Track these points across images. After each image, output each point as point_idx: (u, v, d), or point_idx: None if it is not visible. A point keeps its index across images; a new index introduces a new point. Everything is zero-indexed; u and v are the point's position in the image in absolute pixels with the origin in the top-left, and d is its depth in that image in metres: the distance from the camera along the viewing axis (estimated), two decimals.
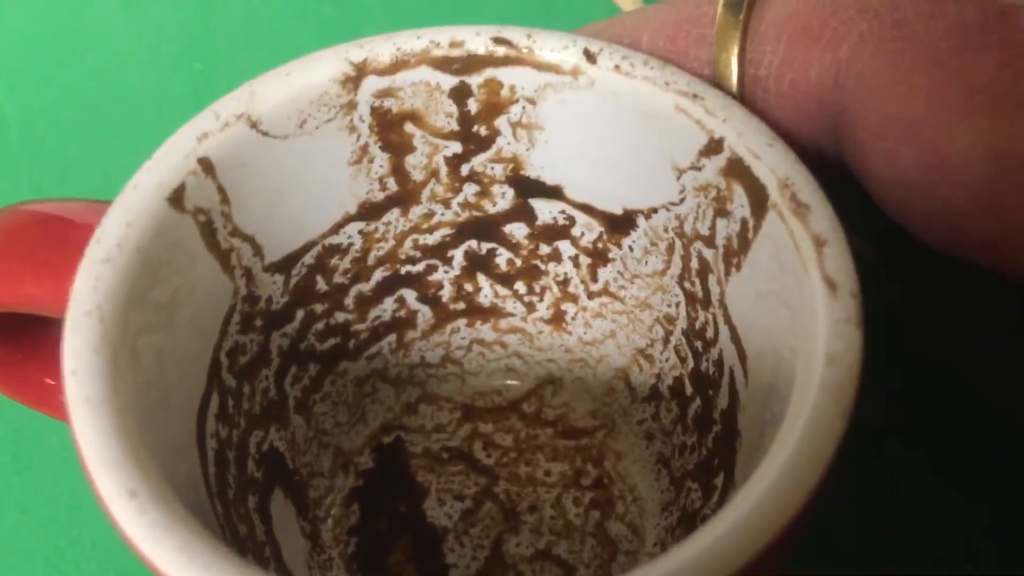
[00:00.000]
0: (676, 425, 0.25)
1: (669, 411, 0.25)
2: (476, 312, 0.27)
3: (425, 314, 0.26)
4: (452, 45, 0.22)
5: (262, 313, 0.23)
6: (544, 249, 0.25)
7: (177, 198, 0.20)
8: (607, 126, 0.22)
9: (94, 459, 0.16)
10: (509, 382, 0.27)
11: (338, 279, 0.24)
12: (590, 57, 0.21)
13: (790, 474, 0.16)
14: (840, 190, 0.19)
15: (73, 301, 0.18)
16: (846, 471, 0.17)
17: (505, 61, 0.22)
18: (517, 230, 0.25)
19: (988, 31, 0.18)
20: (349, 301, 0.25)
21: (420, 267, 0.25)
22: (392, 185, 0.23)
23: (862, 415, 0.17)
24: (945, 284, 0.24)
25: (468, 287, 0.26)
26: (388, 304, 0.26)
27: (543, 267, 0.25)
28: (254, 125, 0.21)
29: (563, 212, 0.24)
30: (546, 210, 0.24)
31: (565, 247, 0.25)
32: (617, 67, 0.21)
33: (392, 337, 0.26)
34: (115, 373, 0.17)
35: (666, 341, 0.25)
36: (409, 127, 0.22)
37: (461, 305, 0.26)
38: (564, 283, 0.26)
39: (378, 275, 0.25)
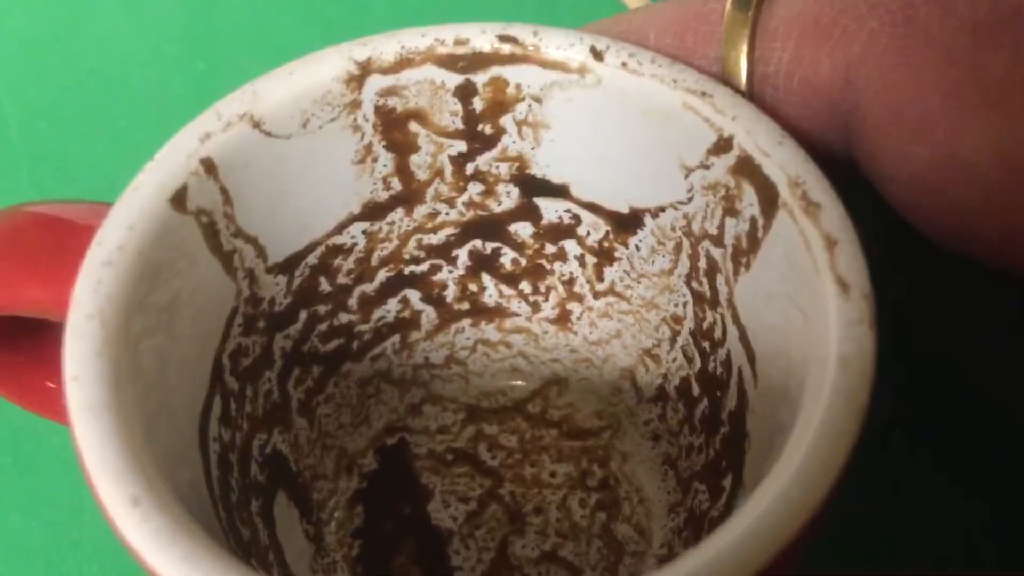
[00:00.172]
0: (683, 426, 0.25)
1: (676, 412, 0.25)
2: (481, 312, 0.26)
3: (429, 314, 0.26)
4: (457, 43, 0.21)
5: (265, 315, 0.23)
6: (549, 248, 0.25)
7: (179, 199, 0.19)
8: (614, 124, 0.22)
9: (96, 466, 0.16)
10: (514, 383, 0.27)
11: (342, 280, 0.24)
12: (597, 55, 0.21)
13: (803, 479, 0.16)
14: (848, 187, 0.19)
15: (74, 305, 0.18)
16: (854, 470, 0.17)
17: (511, 59, 0.21)
18: (522, 229, 0.25)
19: (1000, 29, 0.18)
20: (353, 302, 0.25)
21: (424, 267, 0.25)
22: (396, 185, 0.23)
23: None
24: (948, 282, 0.24)
25: (472, 287, 0.26)
26: (392, 305, 0.25)
27: (548, 267, 0.25)
28: (257, 125, 0.20)
29: (569, 211, 0.24)
30: (552, 209, 0.24)
31: (571, 246, 0.25)
32: (624, 64, 0.21)
33: (396, 338, 0.26)
34: (117, 378, 0.17)
35: (673, 341, 0.24)
36: (413, 126, 0.22)
37: (465, 305, 0.26)
38: (570, 283, 0.25)
39: (382, 275, 0.25)
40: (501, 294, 0.26)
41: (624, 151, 0.22)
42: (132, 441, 0.17)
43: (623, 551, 0.25)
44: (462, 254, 0.25)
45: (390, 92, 0.22)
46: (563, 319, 0.26)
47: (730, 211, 0.21)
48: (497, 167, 0.23)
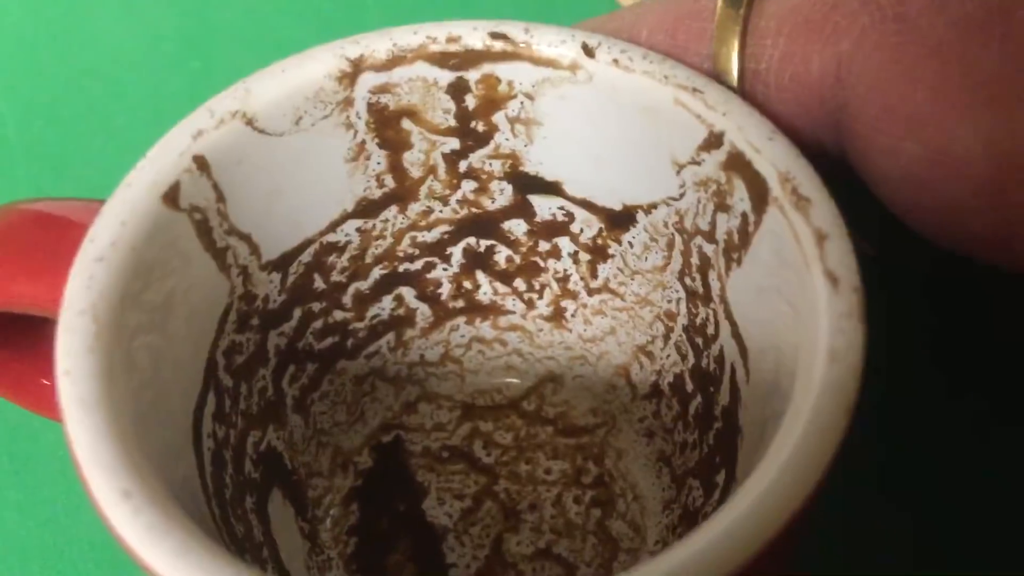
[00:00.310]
0: (677, 422, 0.25)
1: (670, 408, 0.25)
2: (475, 310, 0.26)
3: (424, 312, 0.26)
4: (449, 40, 0.21)
5: (259, 312, 0.23)
6: (543, 246, 0.25)
7: (172, 196, 0.20)
8: (606, 121, 0.22)
9: (88, 460, 0.16)
10: (509, 380, 0.27)
11: (336, 277, 0.24)
12: (588, 51, 0.21)
13: (792, 471, 0.16)
14: (841, 185, 0.19)
15: (67, 301, 0.18)
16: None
17: (503, 56, 0.21)
18: (516, 227, 0.25)
19: (991, 24, 0.18)
20: (347, 299, 0.25)
21: (418, 265, 0.25)
22: (390, 182, 0.23)
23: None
24: (949, 281, 0.24)
25: (467, 284, 0.26)
26: (386, 302, 0.25)
27: (542, 264, 0.25)
28: (250, 122, 0.21)
29: (562, 208, 0.24)
30: (545, 206, 0.24)
31: (564, 243, 0.25)
32: (616, 61, 0.21)
33: (391, 335, 0.26)
34: (109, 374, 0.17)
35: (667, 338, 0.24)
36: (406, 123, 0.22)
37: (460, 303, 0.26)
38: (564, 280, 0.25)
39: (376, 273, 0.25)
40: (496, 292, 0.26)
41: (616, 148, 0.22)
42: (124, 436, 0.17)
43: (618, 548, 0.25)
44: (456, 252, 0.25)
45: (382, 90, 0.22)
46: (558, 316, 0.26)
47: (721, 207, 0.21)
48: (490, 164, 0.23)
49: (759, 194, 0.19)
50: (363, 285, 0.25)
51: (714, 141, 0.20)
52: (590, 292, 0.25)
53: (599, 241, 0.24)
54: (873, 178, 0.19)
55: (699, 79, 0.20)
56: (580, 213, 0.24)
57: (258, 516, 0.23)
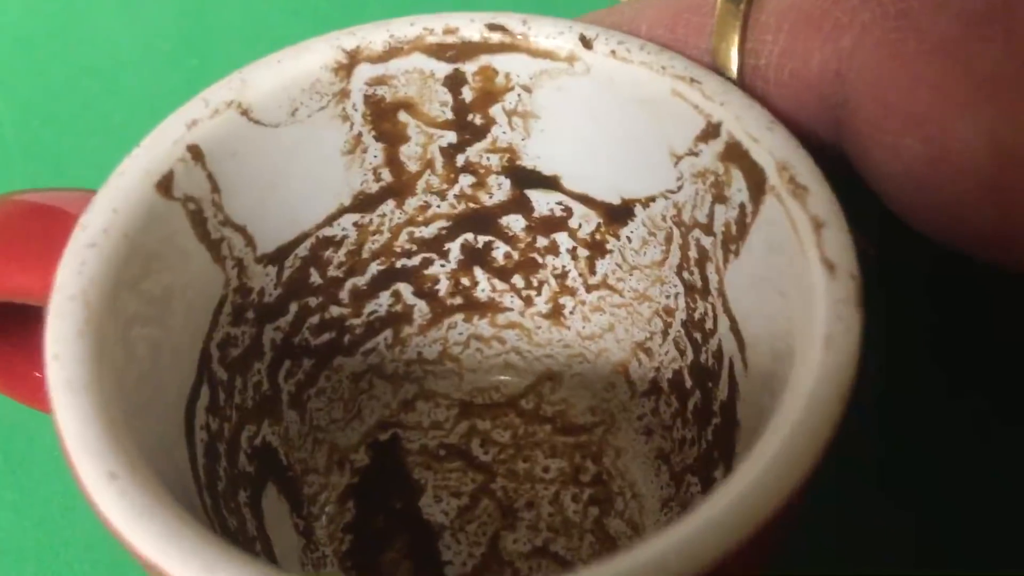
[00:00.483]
0: (676, 419, 0.25)
1: (669, 405, 0.25)
2: (473, 307, 0.26)
3: (421, 309, 0.26)
4: (446, 32, 0.21)
5: (254, 305, 0.23)
6: (541, 242, 0.25)
7: (166, 185, 0.19)
8: (604, 113, 0.21)
9: (75, 443, 0.16)
10: (507, 378, 0.27)
11: (332, 272, 0.24)
12: (586, 43, 0.21)
13: (786, 456, 0.15)
14: (840, 183, 0.19)
15: (57, 286, 0.18)
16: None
17: (500, 48, 0.21)
18: (514, 222, 0.24)
19: (993, 21, 0.18)
20: (344, 295, 0.25)
21: (416, 260, 0.25)
22: (387, 176, 0.23)
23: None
24: (949, 279, 0.24)
25: (465, 281, 0.26)
26: (384, 298, 0.25)
27: (541, 260, 0.25)
28: (245, 113, 0.20)
29: (560, 203, 0.24)
30: (543, 201, 0.24)
31: (563, 239, 0.25)
32: (613, 52, 0.21)
33: (388, 332, 0.26)
34: (99, 358, 0.17)
35: (665, 334, 0.24)
36: (403, 116, 0.22)
37: (458, 300, 0.26)
38: (562, 276, 0.25)
39: (373, 268, 0.25)
40: (494, 288, 0.26)
41: (614, 140, 0.22)
42: (113, 420, 0.17)
43: (615, 546, 0.25)
44: (454, 248, 0.25)
45: (379, 81, 0.22)
46: (556, 313, 0.26)
47: (719, 198, 0.20)
48: (488, 158, 0.23)
49: (756, 184, 0.19)
50: (360, 281, 0.25)
51: (712, 131, 0.20)
52: (588, 288, 0.25)
53: (597, 236, 0.24)
54: (873, 175, 0.19)
55: (697, 70, 0.20)
56: (578, 208, 0.24)
57: (252, 510, 0.22)
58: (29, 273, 0.20)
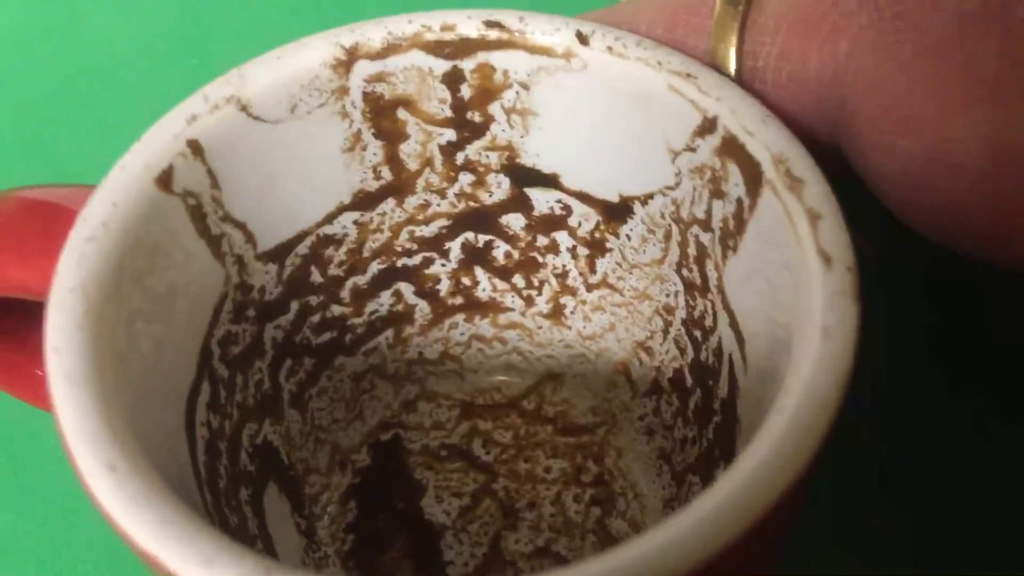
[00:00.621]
0: (677, 419, 0.25)
1: (670, 404, 0.25)
2: (474, 307, 0.26)
3: (423, 309, 0.26)
4: (444, 29, 0.21)
5: (255, 303, 0.23)
6: (542, 241, 0.25)
7: (165, 180, 0.20)
8: (601, 109, 0.22)
9: (74, 435, 0.16)
10: (508, 379, 0.27)
11: (333, 271, 0.24)
12: (582, 39, 0.21)
13: (784, 446, 0.15)
14: (839, 183, 0.19)
15: (57, 279, 0.18)
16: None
17: (498, 44, 0.21)
18: (514, 221, 0.25)
19: (988, 21, 0.18)
20: (345, 294, 0.25)
21: (417, 260, 0.25)
22: (386, 174, 0.23)
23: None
24: (948, 279, 0.24)
25: (466, 281, 0.26)
26: (385, 298, 0.25)
27: (541, 259, 0.25)
28: (244, 108, 0.21)
29: (560, 201, 0.24)
30: (543, 200, 0.24)
31: (563, 238, 0.25)
32: (610, 48, 0.21)
33: (389, 332, 0.26)
34: (99, 350, 0.17)
35: (665, 332, 0.24)
36: (402, 113, 0.22)
37: (459, 299, 0.26)
38: (563, 275, 0.25)
39: (374, 267, 0.25)
40: (495, 288, 0.26)
41: (612, 136, 0.22)
42: (112, 412, 0.17)
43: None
44: (454, 247, 0.25)
45: (378, 78, 0.22)
46: (557, 313, 0.26)
47: (717, 193, 0.20)
48: (487, 156, 0.23)
49: (753, 177, 0.19)
50: (361, 280, 0.25)
51: (708, 126, 0.20)
52: (589, 288, 0.25)
53: (597, 235, 0.24)
54: (871, 176, 0.19)
55: (693, 65, 0.20)
56: (578, 206, 0.24)
57: (253, 509, 0.22)
58: (29, 268, 0.20)
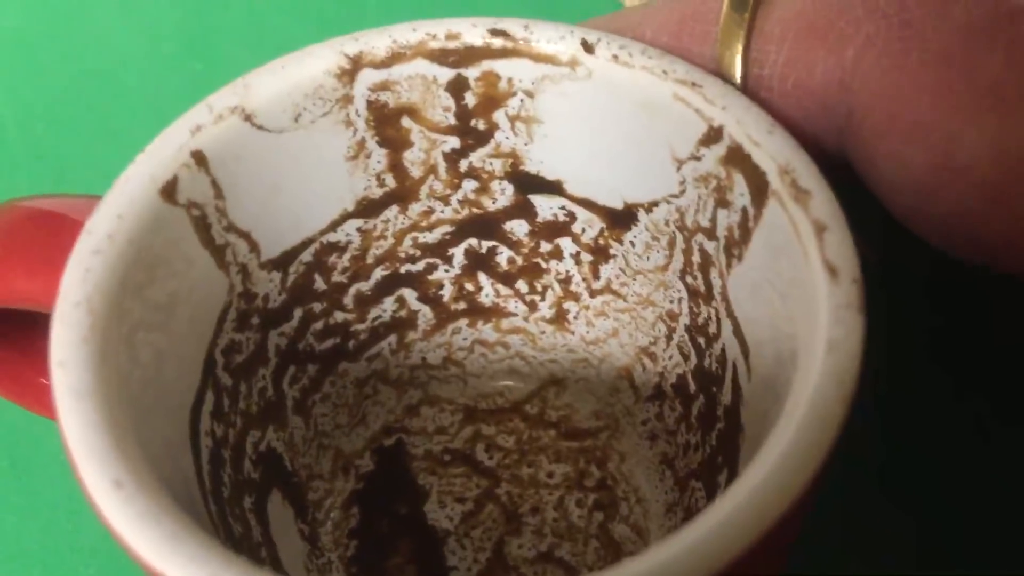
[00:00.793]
0: (680, 424, 0.25)
1: (673, 410, 0.25)
2: (477, 312, 0.26)
3: (426, 314, 0.26)
4: (448, 37, 0.21)
5: (259, 311, 0.23)
6: (545, 247, 0.25)
7: (170, 191, 0.20)
8: (606, 118, 0.22)
9: (80, 450, 0.16)
10: (511, 383, 0.27)
11: (337, 278, 0.24)
12: (587, 47, 0.21)
13: (789, 461, 0.15)
14: (844, 190, 0.19)
15: (62, 293, 0.18)
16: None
17: (502, 53, 0.21)
18: (518, 227, 0.25)
19: (996, 31, 0.18)
20: (348, 300, 0.25)
21: (420, 266, 0.25)
22: (390, 181, 0.23)
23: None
24: (950, 284, 0.24)
25: (469, 286, 0.26)
26: (388, 304, 0.25)
27: (544, 265, 0.25)
28: (248, 118, 0.21)
29: (563, 208, 0.24)
30: (546, 206, 0.24)
31: (566, 244, 0.25)
32: (615, 57, 0.21)
33: (393, 338, 0.26)
34: (103, 364, 0.17)
35: (669, 338, 0.24)
36: (406, 121, 0.22)
37: (462, 305, 0.26)
38: (566, 281, 0.25)
39: (378, 274, 0.25)
40: (498, 294, 0.26)
41: (617, 144, 0.22)
42: (117, 426, 0.17)
43: (620, 551, 0.25)
44: (458, 253, 0.25)
45: (382, 87, 0.22)
46: (560, 319, 0.26)
47: (722, 202, 0.20)
48: (491, 163, 0.23)
49: (758, 187, 0.19)
50: (364, 286, 0.25)
51: (714, 136, 0.20)
52: (592, 293, 0.25)
53: (601, 241, 0.24)
54: (878, 184, 0.19)
55: (698, 74, 0.20)
56: (581, 213, 0.24)
57: (257, 517, 0.22)
58: (35, 279, 0.20)
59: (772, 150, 0.19)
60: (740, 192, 0.20)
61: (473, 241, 0.25)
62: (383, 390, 0.26)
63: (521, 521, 0.25)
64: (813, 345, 0.17)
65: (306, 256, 0.23)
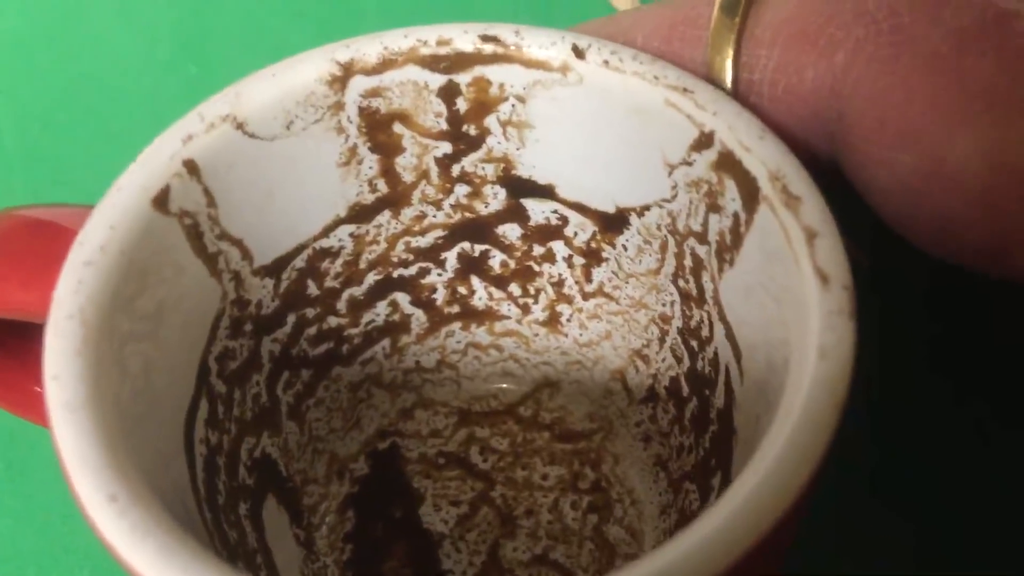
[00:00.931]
0: (673, 426, 0.25)
1: (666, 412, 0.25)
2: (470, 315, 0.26)
3: (419, 318, 0.26)
4: (440, 43, 0.21)
5: (252, 318, 0.23)
6: (538, 250, 0.25)
7: (162, 200, 0.20)
8: (598, 123, 0.22)
9: (74, 463, 0.16)
10: (505, 386, 0.27)
11: (330, 283, 0.24)
12: (579, 53, 0.21)
13: (782, 467, 0.16)
14: (835, 195, 0.19)
15: (55, 304, 0.18)
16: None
17: (493, 59, 0.21)
18: (510, 231, 0.25)
19: (985, 36, 0.18)
20: (341, 305, 0.25)
21: (413, 270, 0.25)
22: (382, 187, 0.23)
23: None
24: (948, 288, 0.24)
25: (462, 290, 0.26)
26: (381, 308, 0.25)
27: (537, 268, 0.25)
28: (240, 126, 0.21)
29: (556, 212, 0.24)
30: (539, 210, 0.24)
31: (559, 247, 0.25)
32: (606, 62, 0.21)
33: (386, 342, 0.26)
34: (97, 377, 0.17)
35: (662, 341, 0.24)
36: (398, 127, 0.22)
37: (455, 308, 0.26)
38: (558, 284, 0.25)
39: (370, 279, 0.25)
40: (491, 297, 0.26)
41: (608, 149, 0.22)
42: (111, 439, 0.17)
43: (615, 553, 0.25)
44: (451, 257, 0.25)
45: (373, 93, 0.22)
46: (553, 321, 0.26)
47: (713, 207, 0.20)
48: (483, 168, 0.23)
49: (749, 193, 0.19)
50: (357, 291, 0.25)
51: (705, 141, 0.20)
52: (585, 296, 0.25)
53: (593, 244, 0.24)
54: (868, 189, 0.19)
55: (689, 79, 0.20)
56: (574, 216, 0.24)
57: (252, 523, 0.22)
58: (29, 290, 0.20)
59: (763, 156, 0.19)
60: (731, 197, 0.20)
61: (466, 245, 0.25)
62: (377, 394, 0.27)
63: (516, 524, 0.25)
64: (805, 351, 0.17)
65: (299, 262, 0.23)
